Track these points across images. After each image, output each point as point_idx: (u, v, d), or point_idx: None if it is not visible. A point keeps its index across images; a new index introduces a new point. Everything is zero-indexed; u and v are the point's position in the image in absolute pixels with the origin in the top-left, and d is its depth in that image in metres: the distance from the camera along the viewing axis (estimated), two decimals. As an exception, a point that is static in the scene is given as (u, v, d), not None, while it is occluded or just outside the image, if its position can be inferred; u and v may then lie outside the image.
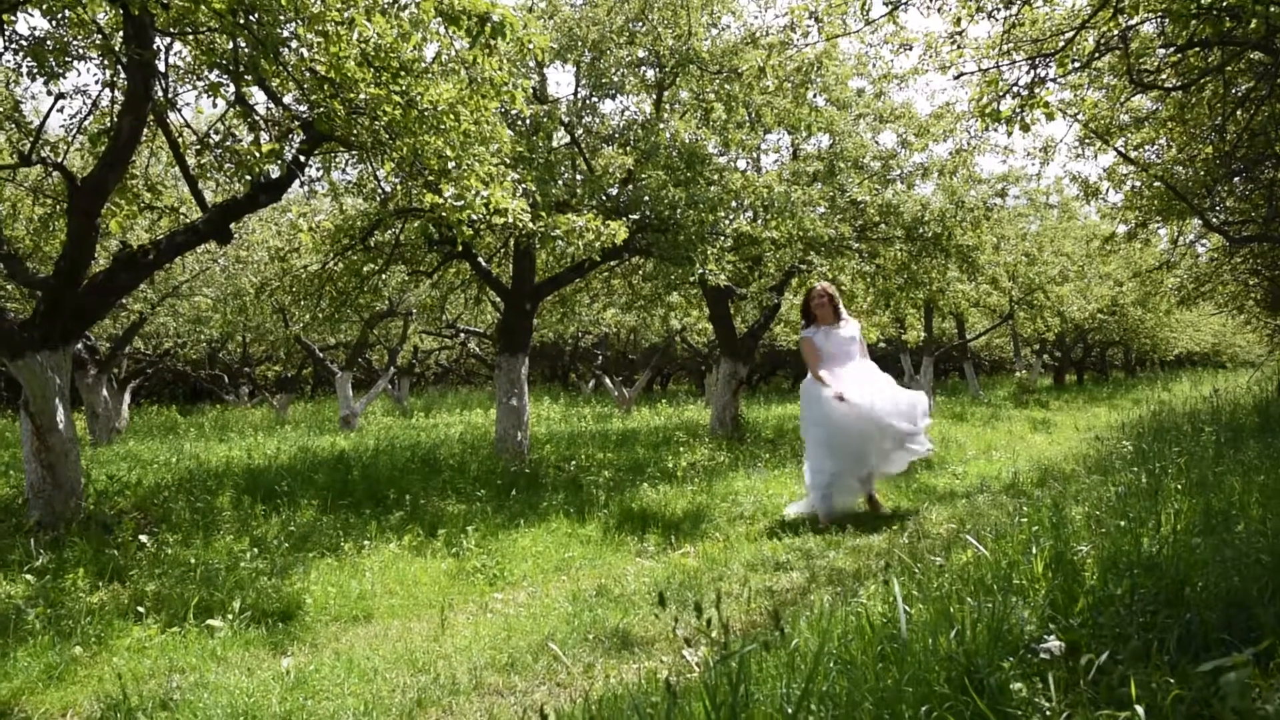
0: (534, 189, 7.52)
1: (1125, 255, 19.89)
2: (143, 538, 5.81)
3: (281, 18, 5.20)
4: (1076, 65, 7.33)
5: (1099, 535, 4.05)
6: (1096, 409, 19.55)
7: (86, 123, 7.17)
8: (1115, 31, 6.86)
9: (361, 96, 5.70)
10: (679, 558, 5.88)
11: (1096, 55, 7.36)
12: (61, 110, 8.44)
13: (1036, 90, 6.73)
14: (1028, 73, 6.90)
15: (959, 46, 7.05)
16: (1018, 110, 6.65)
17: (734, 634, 2.68)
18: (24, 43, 5.68)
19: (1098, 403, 21.70)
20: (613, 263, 11.09)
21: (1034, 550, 3.70)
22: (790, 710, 2.46)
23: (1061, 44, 6.85)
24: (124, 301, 12.47)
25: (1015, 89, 6.83)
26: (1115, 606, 2.91)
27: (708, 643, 3.45)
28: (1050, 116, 6.67)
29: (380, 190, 7.84)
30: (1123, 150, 10.89)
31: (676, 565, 5.67)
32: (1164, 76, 8.40)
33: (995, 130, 7.13)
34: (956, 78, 7.43)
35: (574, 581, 5.44)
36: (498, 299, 12.33)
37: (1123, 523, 4.07)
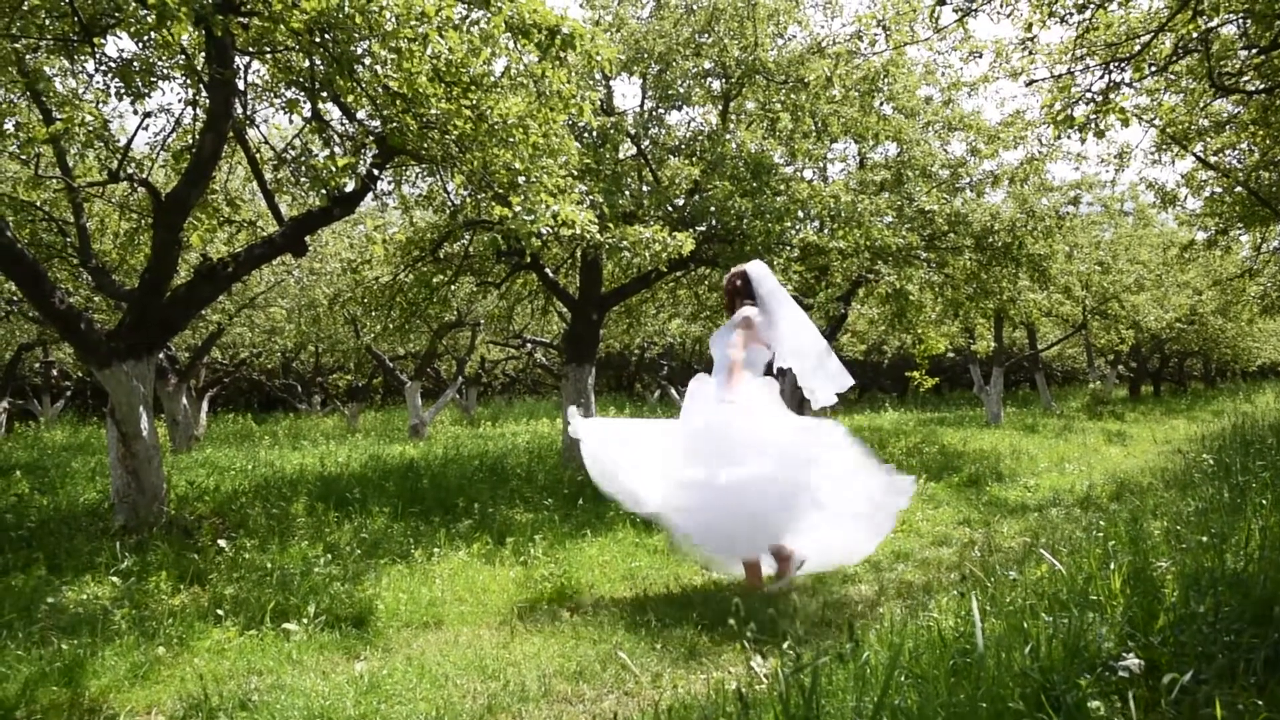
0: (601, 200, 7.57)
1: (1204, 263, 19.32)
2: (221, 542, 5.97)
3: (356, 36, 5.33)
4: (1153, 69, 7.18)
5: (1179, 551, 3.94)
6: (1174, 421, 19.01)
7: (170, 140, 7.42)
8: (1195, 34, 6.70)
9: (433, 111, 5.81)
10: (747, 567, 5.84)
11: (1174, 59, 7.20)
12: (147, 128, 8.76)
13: (1111, 96, 6.60)
14: (1102, 78, 6.77)
15: (1030, 52, 6.95)
16: (1091, 116, 6.54)
17: (804, 646, 2.67)
18: (113, 65, 5.93)
19: (1175, 415, 21.09)
20: (679, 273, 11.10)
21: (1111, 565, 3.62)
22: (862, 723, 2.44)
23: (1138, 48, 6.71)
24: (203, 312, 12.82)
25: (1089, 95, 6.71)
26: (1198, 624, 2.84)
27: (777, 654, 3.44)
28: (1125, 122, 6.54)
29: (450, 203, 7.97)
30: (1202, 155, 10.60)
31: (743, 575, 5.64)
32: (1246, 79, 8.17)
33: (1068, 137, 7.01)
34: (1028, 84, 7.32)
35: (641, 591, 5.45)
36: (565, 309, 12.43)
37: (1205, 538, 3.97)
